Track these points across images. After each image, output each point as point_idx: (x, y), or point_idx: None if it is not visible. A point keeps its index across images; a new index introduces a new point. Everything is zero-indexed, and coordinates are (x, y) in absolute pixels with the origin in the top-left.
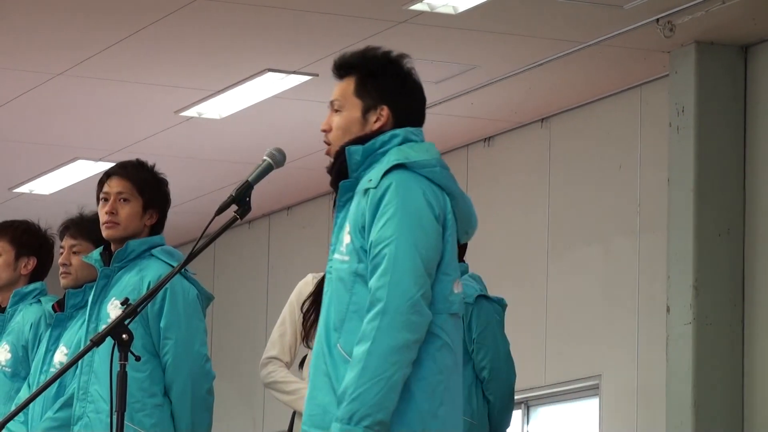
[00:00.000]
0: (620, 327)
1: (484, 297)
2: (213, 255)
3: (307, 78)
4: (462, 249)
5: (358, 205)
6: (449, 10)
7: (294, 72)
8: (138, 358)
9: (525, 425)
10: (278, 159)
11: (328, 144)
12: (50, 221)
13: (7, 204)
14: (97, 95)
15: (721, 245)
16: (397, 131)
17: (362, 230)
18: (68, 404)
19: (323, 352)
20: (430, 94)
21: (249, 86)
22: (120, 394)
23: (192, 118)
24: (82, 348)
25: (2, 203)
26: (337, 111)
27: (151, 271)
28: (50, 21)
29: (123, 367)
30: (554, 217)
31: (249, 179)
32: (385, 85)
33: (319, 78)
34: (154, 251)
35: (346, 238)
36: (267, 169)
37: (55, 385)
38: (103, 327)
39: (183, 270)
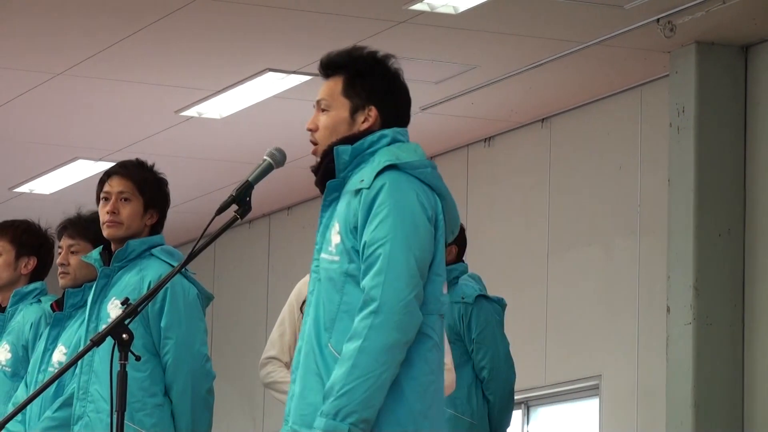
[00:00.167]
0: (620, 327)
1: (483, 297)
2: (213, 255)
3: (307, 78)
4: (461, 249)
5: (348, 205)
6: (449, 10)
7: (294, 72)
8: (138, 358)
9: (525, 425)
10: (278, 159)
11: (315, 143)
12: (50, 221)
13: (7, 203)
14: (97, 95)
15: (721, 246)
16: (386, 132)
17: (354, 230)
18: (67, 404)
19: (313, 352)
20: (430, 94)
21: (249, 86)
22: (120, 393)
23: (192, 117)
24: (81, 348)
25: (2, 203)
26: (323, 110)
27: (151, 271)
28: (50, 21)
29: (123, 366)
30: (554, 217)
31: (249, 179)
32: (373, 85)
33: (319, 78)
34: (155, 251)
35: (336, 238)
36: (267, 169)
37: (54, 384)
38: (103, 326)
39: (183, 270)
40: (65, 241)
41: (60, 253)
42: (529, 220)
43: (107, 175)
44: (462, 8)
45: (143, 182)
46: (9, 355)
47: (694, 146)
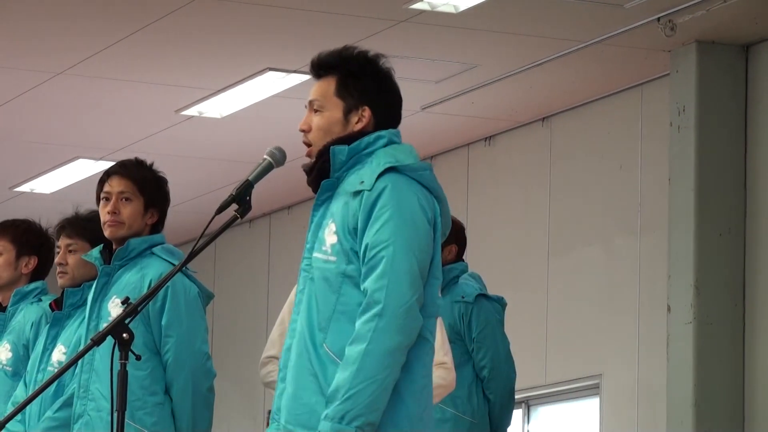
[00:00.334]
0: (621, 326)
1: (483, 296)
2: (214, 254)
3: (307, 77)
4: (461, 248)
5: (346, 206)
6: (450, 9)
7: (294, 71)
8: (139, 358)
9: (525, 424)
10: (279, 158)
11: (307, 144)
12: (51, 220)
13: (7, 203)
14: (97, 94)
15: (721, 245)
16: (383, 133)
17: (353, 232)
18: (68, 404)
19: (307, 351)
20: (431, 93)
21: (249, 85)
22: (120, 393)
23: (192, 117)
24: (81, 347)
25: (3, 202)
26: (316, 111)
27: (152, 270)
28: (51, 21)
29: (123, 366)
30: (555, 216)
31: (249, 178)
32: (366, 85)
33: None
34: (155, 249)
35: (332, 238)
36: (267, 168)
37: (54, 384)
38: (103, 325)
39: (184, 268)
40: (63, 241)
41: (58, 253)
42: (530, 220)
43: (107, 174)
44: (462, 7)
45: (143, 181)
46: (10, 355)
47: (695, 145)
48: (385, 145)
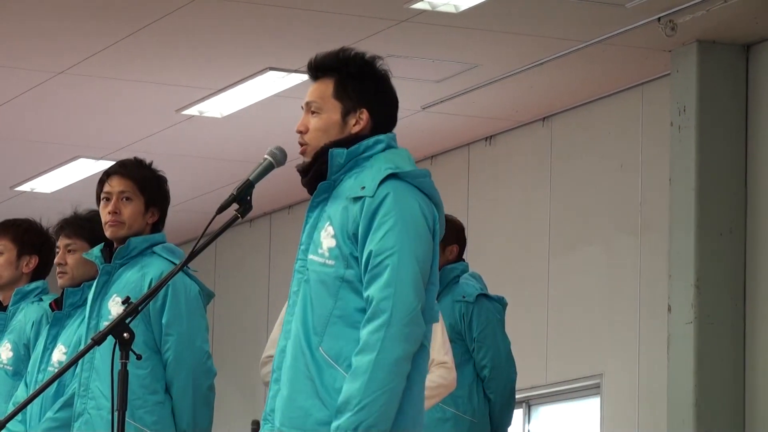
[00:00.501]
0: (622, 326)
1: (484, 296)
2: (214, 254)
3: (308, 77)
4: (462, 248)
5: (345, 210)
6: (450, 9)
7: (295, 71)
8: (139, 357)
9: (526, 424)
10: (279, 158)
11: (304, 145)
12: (51, 220)
13: (8, 202)
14: (98, 94)
15: (722, 244)
16: (381, 137)
17: (353, 238)
18: (69, 404)
19: (303, 354)
20: (431, 92)
21: (250, 85)
22: (121, 392)
23: (193, 116)
24: (81, 346)
25: (3, 201)
26: (314, 113)
27: (152, 269)
28: (51, 20)
29: (124, 365)
30: (555, 216)
31: (250, 178)
32: (364, 88)
33: None
34: (156, 248)
35: (330, 242)
36: (268, 168)
37: (55, 384)
38: (104, 324)
39: (184, 267)
40: (62, 241)
41: (58, 253)
42: (530, 219)
43: (107, 174)
44: (463, 7)
45: (143, 181)
46: (10, 354)
47: (695, 145)
48: (384, 150)
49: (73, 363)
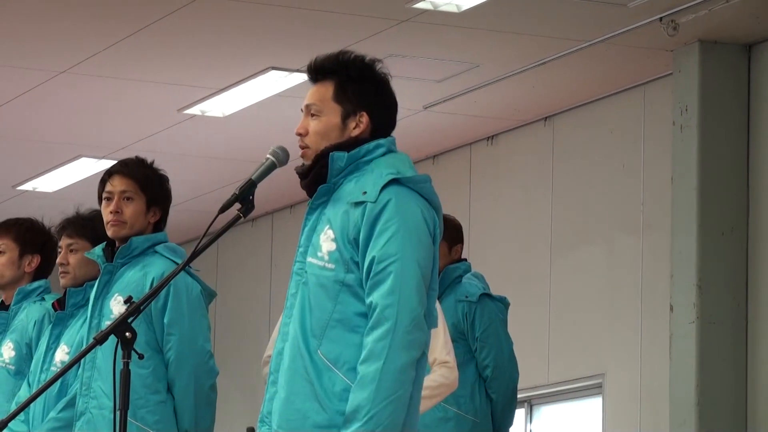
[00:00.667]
0: (623, 326)
1: (487, 296)
2: (216, 253)
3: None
4: (461, 247)
5: (346, 215)
6: (452, 9)
7: (297, 70)
8: (141, 356)
9: (528, 424)
10: (281, 157)
11: (304, 148)
12: (53, 219)
13: (10, 201)
14: (100, 93)
15: (724, 244)
16: (382, 141)
17: (354, 242)
18: (72, 404)
19: (301, 356)
20: (433, 92)
21: (252, 84)
22: (123, 392)
23: (195, 116)
24: (84, 346)
25: (5, 201)
26: (313, 115)
27: (154, 268)
28: (53, 19)
29: (126, 365)
30: (557, 215)
31: (252, 177)
32: (364, 91)
33: None
34: (158, 248)
35: (329, 245)
36: (270, 168)
37: (57, 383)
38: (106, 323)
39: (186, 267)
40: (64, 241)
41: (60, 253)
42: (532, 219)
43: (108, 174)
44: (465, 7)
45: (145, 180)
46: (13, 353)
47: (698, 145)
48: (384, 154)
49: (74, 362)
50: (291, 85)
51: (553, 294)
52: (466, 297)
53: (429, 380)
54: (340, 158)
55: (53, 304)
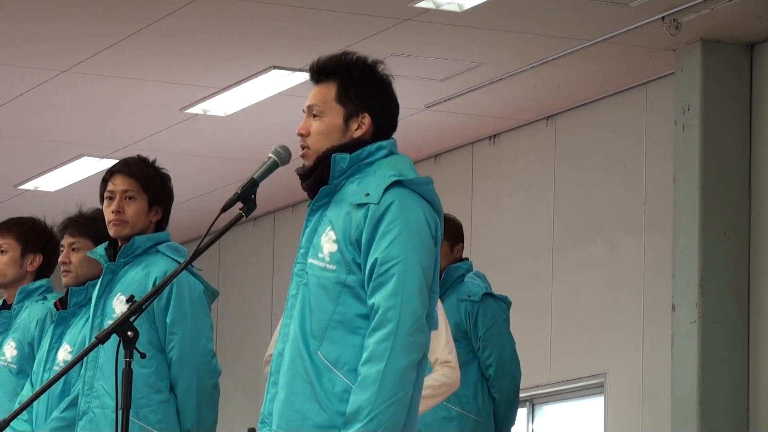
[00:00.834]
0: (625, 325)
1: (490, 295)
2: (218, 252)
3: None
4: (462, 247)
5: (348, 216)
6: (454, 8)
7: (299, 69)
8: (143, 356)
9: (530, 423)
10: (283, 156)
11: (305, 148)
12: (55, 218)
13: (12, 201)
14: (102, 92)
15: (726, 243)
16: (384, 143)
17: (355, 244)
18: (75, 403)
19: (301, 357)
20: (435, 91)
21: (254, 83)
22: (125, 391)
23: (197, 115)
24: (87, 345)
25: (7, 200)
26: (315, 116)
27: (157, 267)
28: (55, 19)
29: (128, 364)
30: (559, 215)
31: (254, 176)
32: (367, 92)
33: None
34: (160, 247)
35: (331, 246)
36: (272, 167)
37: (60, 383)
38: (108, 322)
39: (189, 266)
40: (66, 240)
41: (62, 252)
42: (534, 218)
43: (110, 173)
44: (467, 6)
45: (147, 179)
46: (15, 352)
47: (700, 144)
48: (386, 156)
49: (76, 362)
50: (293, 84)
51: (554, 293)
52: (469, 296)
53: (431, 380)
54: (342, 160)
55: (55, 304)
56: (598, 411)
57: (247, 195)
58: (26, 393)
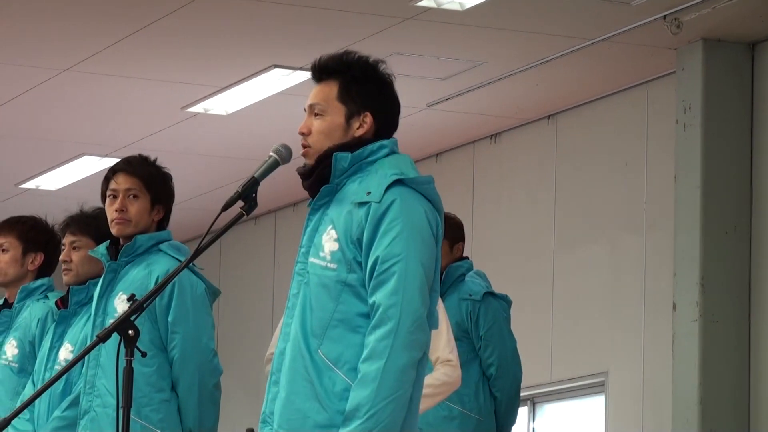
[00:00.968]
0: (626, 324)
1: (491, 294)
2: (219, 251)
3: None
4: (462, 246)
5: (349, 215)
6: (456, 7)
7: (300, 68)
8: (144, 354)
9: (531, 422)
10: (284, 155)
11: (307, 147)
12: (57, 217)
13: (13, 199)
14: (103, 91)
15: (727, 242)
16: (385, 142)
17: (357, 242)
18: (76, 402)
19: (302, 356)
20: (437, 90)
21: (255, 82)
22: (126, 390)
23: (198, 114)
24: (88, 344)
25: (9, 199)
26: (317, 115)
27: (159, 266)
28: (56, 17)
29: (129, 363)
30: (560, 213)
31: (255, 175)
32: (369, 91)
33: None
34: (162, 246)
35: (332, 245)
36: (273, 165)
37: (62, 382)
38: (109, 321)
39: (191, 265)
40: (68, 238)
41: (63, 250)
42: (535, 217)
43: (113, 172)
44: (468, 5)
45: (150, 178)
46: (16, 351)
47: (701, 143)
48: (387, 155)
49: (77, 360)
50: (294, 83)
51: (555, 292)
52: (470, 295)
53: (432, 378)
54: (343, 159)
55: (56, 303)
56: (598, 410)
57: (248, 194)
58: (27, 392)
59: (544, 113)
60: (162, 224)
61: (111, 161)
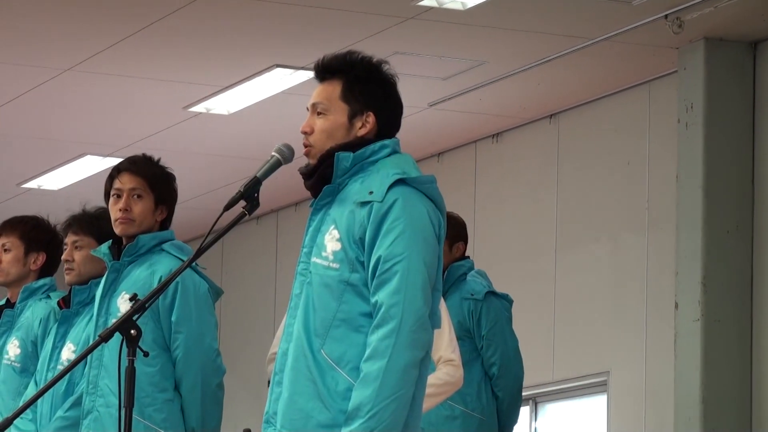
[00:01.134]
0: (628, 323)
1: (492, 293)
2: (221, 251)
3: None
4: (466, 244)
5: (352, 214)
6: (458, 6)
7: (302, 68)
8: (146, 354)
9: (533, 422)
10: (286, 155)
11: (309, 146)
12: (59, 217)
13: (15, 199)
14: (105, 91)
15: (729, 242)
16: (387, 142)
17: (359, 242)
18: (79, 402)
19: (304, 356)
20: (439, 90)
21: (257, 82)
22: (128, 390)
23: (200, 113)
24: (90, 344)
25: (11, 198)
26: (320, 114)
27: (162, 266)
28: (58, 17)
29: (131, 362)
30: (562, 213)
31: (257, 175)
32: (372, 91)
33: None
34: (165, 246)
35: (335, 245)
36: (275, 165)
37: (64, 382)
38: (112, 321)
39: (193, 264)
40: (70, 238)
41: (65, 250)
42: (537, 216)
43: (117, 171)
44: (470, 4)
45: (154, 178)
46: (18, 351)
47: (703, 142)
48: (389, 155)
49: (79, 360)
50: (296, 82)
51: (557, 291)
52: (472, 295)
53: (434, 378)
54: (345, 158)
55: (59, 302)
56: (601, 409)
57: (250, 193)
58: (30, 392)
59: (546, 113)
60: (165, 224)
61: (113, 161)
